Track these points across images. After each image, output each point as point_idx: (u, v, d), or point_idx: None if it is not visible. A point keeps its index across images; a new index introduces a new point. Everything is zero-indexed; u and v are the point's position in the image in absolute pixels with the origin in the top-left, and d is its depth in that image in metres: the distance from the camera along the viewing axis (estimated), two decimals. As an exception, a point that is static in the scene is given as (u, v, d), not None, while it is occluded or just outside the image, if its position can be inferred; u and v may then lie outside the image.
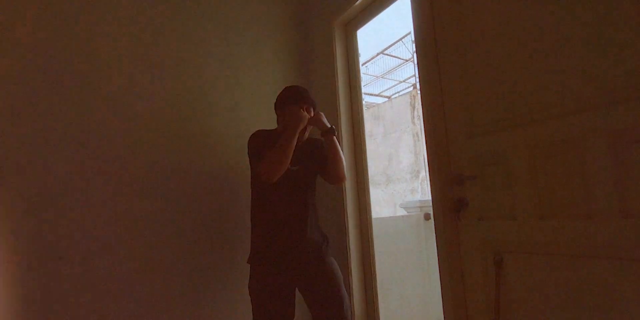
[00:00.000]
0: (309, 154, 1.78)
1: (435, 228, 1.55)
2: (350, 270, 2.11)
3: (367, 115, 7.47)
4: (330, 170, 1.76)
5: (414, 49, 7.17)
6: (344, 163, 1.79)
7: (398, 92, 8.68)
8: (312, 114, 1.78)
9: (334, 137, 1.76)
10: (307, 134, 1.78)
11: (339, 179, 1.78)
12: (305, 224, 1.68)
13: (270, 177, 1.60)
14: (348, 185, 2.19)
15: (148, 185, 1.91)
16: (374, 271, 2.14)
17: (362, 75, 2.35)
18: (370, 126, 7.44)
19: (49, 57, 1.76)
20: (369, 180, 2.24)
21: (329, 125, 1.77)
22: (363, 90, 2.35)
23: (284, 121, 1.74)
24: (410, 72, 8.45)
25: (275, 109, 1.83)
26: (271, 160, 1.60)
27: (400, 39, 8.40)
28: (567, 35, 1.13)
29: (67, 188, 1.73)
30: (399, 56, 8.63)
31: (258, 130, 1.79)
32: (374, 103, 8.45)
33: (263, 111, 2.28)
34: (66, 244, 1.69)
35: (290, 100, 1.75)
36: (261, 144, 1.70)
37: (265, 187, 1.67)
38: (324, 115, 1.80)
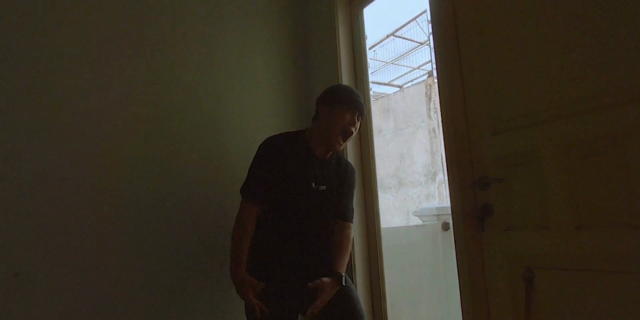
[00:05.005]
0: (337, 174, 1.80)
1: (454, 239, 1.55)
2: (356, 287, 2.11)
3: (375, 107, 7.50)
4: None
5: (430, 30, 7.16)
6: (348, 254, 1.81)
7: (411, 80, 8.69)
8: (358, 125, 1.77)
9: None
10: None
11: None
12: (322, 248, 1.75)
13: None
14: (353, 189, 2.19)
15: (118, 188, 1.91)
16: (383, 289, 2.14)
17: (369, 60, 2.35)
18: (378, 120, 7.45)
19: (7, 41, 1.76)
20: (378, 183, 2.24)
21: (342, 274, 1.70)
22: (370, 78, 2.35)
23: (327, 119, 1.73)
24: (425, 57, 8.46)
25: (318, 102, 1.79)
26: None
27: (414, 19, 8.41)
28: (614, 12, 1.13)
29: (27, 192, 1.73)
30: (412, 39, 8.64)
31: (272, 140, 1.77)
32: (383, 93, 8.46)
33: (252, 102, 2.27)
34: (25, 258, 1.69)
35: (344, 103, 1.72)
36: (264, 171, 1.72)
37: (284, 202, 1.71)
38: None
